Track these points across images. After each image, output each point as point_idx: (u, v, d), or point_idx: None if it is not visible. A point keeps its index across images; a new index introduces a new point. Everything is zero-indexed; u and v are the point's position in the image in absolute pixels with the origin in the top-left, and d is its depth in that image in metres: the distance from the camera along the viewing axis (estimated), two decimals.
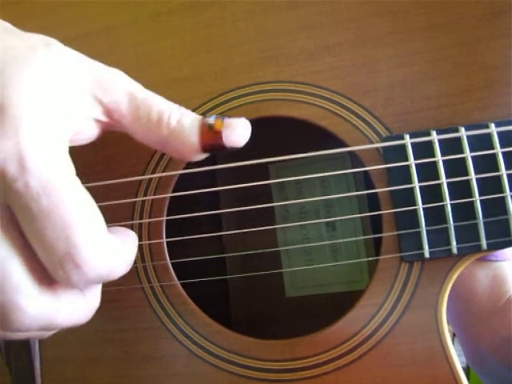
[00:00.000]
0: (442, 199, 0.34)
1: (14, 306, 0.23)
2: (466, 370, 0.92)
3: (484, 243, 0.33)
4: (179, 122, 0.28)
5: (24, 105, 0.23)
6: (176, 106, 0.28)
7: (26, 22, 0.41)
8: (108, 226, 0.25)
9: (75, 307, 0.26)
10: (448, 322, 0.35)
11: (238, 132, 0.29)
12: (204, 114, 0.38)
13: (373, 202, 0.36)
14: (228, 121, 0.29)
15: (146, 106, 0.28)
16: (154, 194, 0.38)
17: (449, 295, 0.34)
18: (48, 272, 0.24)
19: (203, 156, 0.29)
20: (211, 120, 0.28)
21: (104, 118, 0.28)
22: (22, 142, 0.22)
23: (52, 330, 0.27)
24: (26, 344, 0.38)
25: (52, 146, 0.24)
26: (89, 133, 0.29)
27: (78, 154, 0.27)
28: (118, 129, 0.29)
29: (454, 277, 0.34)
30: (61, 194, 0.23)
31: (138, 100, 0.28)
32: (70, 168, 0.24)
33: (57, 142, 0.24)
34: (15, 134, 0.22)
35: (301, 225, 0.50)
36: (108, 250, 0.24)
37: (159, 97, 0.28)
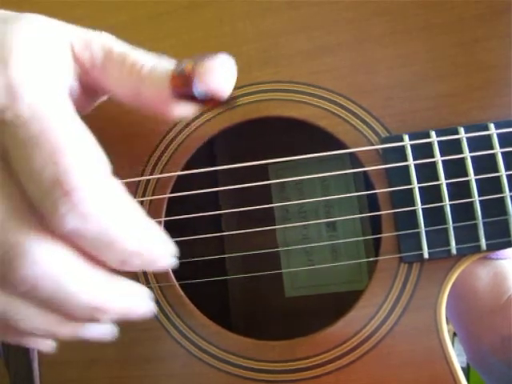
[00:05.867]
0: (441, 200, 0.34)
1: (18, 248, 0.21)
2: (466, 370, 0.92)
3: (483, 244, 0.33)
4: (151, 69, 0.26)
5: (14, 46, 0.23)
6: (156, 58, 0.27)
7: None
8: None
9: (94, 281, 0.23)
10: (448, 321, 0.35)
11: (211, 76, 0.25)
12: (202, 114, 0.38)
13: (373, 201, 0.36)
14: (201, 63, 0.25)
15: (120, 57, 0.27)
16: (153, 195, 0.38)
17: (449, 294, 0.34)
18: (37, 209, 0.21)
19: (180, 109, 0.27)
20: (183, 64, 0.26)
21: (79, 71, 0.27)
22: (11, 73, 0.22)
23: (59, 308, 0.23)
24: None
25: (44, 79, 0.23)
26: (74, 94, 0.28)
27: None
28: (93, 84, 0.28)
29: (454, 277, 0.34)
30: (51, 121, 0.21)
31: (114, 53, 0.27)
32: (66, 103, 0.23)
33: (51, 78, 0.24)
34: (4, 67, 0.22)
35: (300, 225, 0.50)
36: (107, 192, 0.22)
37: (141, 52, 0.27)
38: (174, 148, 0.37)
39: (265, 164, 0.34)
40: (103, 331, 0.27)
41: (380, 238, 0.35)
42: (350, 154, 0.36)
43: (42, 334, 0.24)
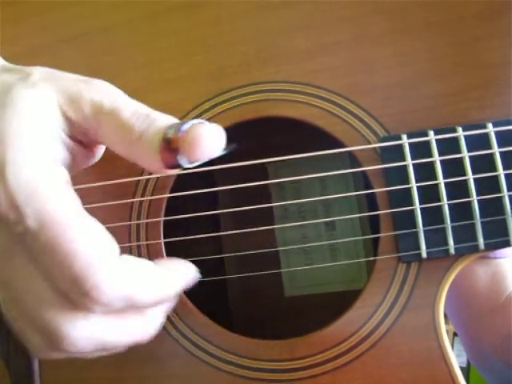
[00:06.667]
0: (439, 199, 0.34)
1: (59, 333, 0.24)
2: (466, 370, 0.92)
3: (481, 243, 0.33)
4: (142, 136, 0.26)
5: (4, 145, 0.23)
6: (145, 114, 0.26)
7: (23, 21, 0.41)
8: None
9: (129, 325, 0.26)
10: (448, 321, 0.35)
11: (195, 149, 0.24)
12: (201, 115, 0.38)
13: (372, 201, 0.36)
14: (187, 136, 0.24)
15: (111, 115, 0.26)
16: (152, 195, 0.38)
17: (449, 293, 0.34)
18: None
19: (172, 171, 0.27)
20: (170, 133, 0.25)
21: (74, 134, 0.27)
22: (8, 183, 0.22)
23: (112, 350, 0.27)
24: (24, 346, 0.38)
25: (40, 179, 0.23)
26: (76, 155, 0.28)
27: None
28: (89, 137, 0.28)
29: (452, 277, 0.34)
30: (56, 228, 0.23)
31: (104, 109, 0.26)
32: (67, 199, 0.24)
33: (45, 174, 0.24)
34: (1, 176, 0.23)
35: (299, 224, 0.50)
36: (120, 275, 0.24)
37: (133, 106, 0.26)
38: None
39: (264, 163, 0.34)
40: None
41: (378, 237, 0.35)
42: (349, 153, 0.36)
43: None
